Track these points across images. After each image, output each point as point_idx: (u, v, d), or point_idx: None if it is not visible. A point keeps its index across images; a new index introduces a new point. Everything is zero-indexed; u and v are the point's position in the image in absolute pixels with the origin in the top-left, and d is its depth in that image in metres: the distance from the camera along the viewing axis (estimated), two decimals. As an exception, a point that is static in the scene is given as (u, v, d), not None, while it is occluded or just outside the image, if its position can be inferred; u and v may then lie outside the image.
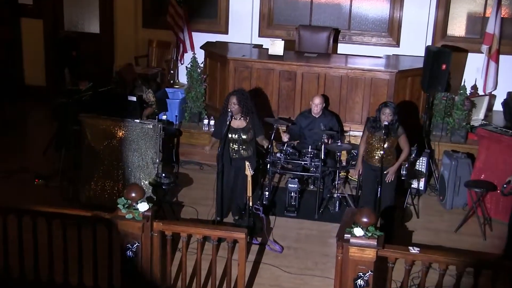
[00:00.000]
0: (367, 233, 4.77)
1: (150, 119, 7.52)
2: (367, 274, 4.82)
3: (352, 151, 7.50)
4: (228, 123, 6.69)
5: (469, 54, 9.15)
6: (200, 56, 9.03)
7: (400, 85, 8.21)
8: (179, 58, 9.79)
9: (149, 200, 5.32)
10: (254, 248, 6.49)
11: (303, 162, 7.21)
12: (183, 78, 9.55)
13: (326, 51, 9.09)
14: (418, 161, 7.68)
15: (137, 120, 7.11)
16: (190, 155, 8.52)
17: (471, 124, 8.34)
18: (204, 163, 8.36)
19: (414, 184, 7.66)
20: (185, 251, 5.37)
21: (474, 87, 8.97)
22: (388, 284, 5.07)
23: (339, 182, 7.45)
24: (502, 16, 8.69)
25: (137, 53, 10.07)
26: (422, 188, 7.78)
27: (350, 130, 8.21)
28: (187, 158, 8.49)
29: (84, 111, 7.30)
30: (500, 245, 6.64)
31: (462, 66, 9.13)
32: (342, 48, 9.48)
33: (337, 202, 7.33)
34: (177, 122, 8.68)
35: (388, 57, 9.00)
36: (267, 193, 7.26)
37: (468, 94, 8.51)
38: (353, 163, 7.31)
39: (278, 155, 7.25)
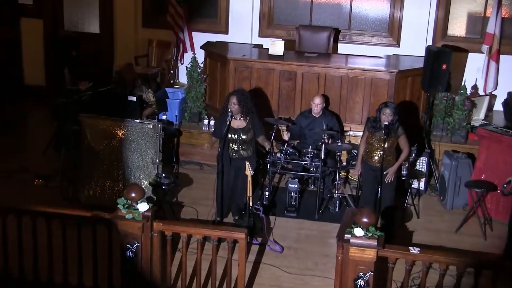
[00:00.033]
0: (367, 233, 4.76)
1: (150, 119, 7.51)
2: (367, 274, 4.82)
3: (352, 151, 7.49)
4: (228, 123, 6.68)
5: (470, 54, 9.14)
6: (200, 56, 9.01)
7: (400, 85, 8.20)
8: (179, 58, 9.78)
9: (149, 200, 5.32)
10: (254, 248, 6.48)
11: (303, 162, 7.20)
12: (183, 78, 9.54)
13: (326, 51, 9.08)
14: (418, 161, 7.68)
15: (137, 120, 7.10)
16: (190, 155, 8.52)
17: (471, 124, 8.33)
18: (204, 163, 8.36)
19: (415, 184, 7.65)
20: (185, 251, 5.36)
21: (475, 87, 8.96)
22: (389, 284, 5.06)
23: (339, 182, 7.44)
24: (502, 16, 8.69)
25: (137, 53, 10.06)
26: (422, 188, 7.77)
27: (350, 130, 8.20)
28: (187, 158, 8.48)
29: (84, 111, 7.29)
30: (500, 245, 6.63)
31: (463, 66, 9.12)
32: (342, 48, 9.47)
33: (337, 202, 7.32)
34: (177, 122, 8.67)
35: (388, 57, 8.99)
36: (267, 193, 7.25)
37: (469, 94, 8.51)
38: (353, 163, 7.30)
39: (278, 155, 7.24)
